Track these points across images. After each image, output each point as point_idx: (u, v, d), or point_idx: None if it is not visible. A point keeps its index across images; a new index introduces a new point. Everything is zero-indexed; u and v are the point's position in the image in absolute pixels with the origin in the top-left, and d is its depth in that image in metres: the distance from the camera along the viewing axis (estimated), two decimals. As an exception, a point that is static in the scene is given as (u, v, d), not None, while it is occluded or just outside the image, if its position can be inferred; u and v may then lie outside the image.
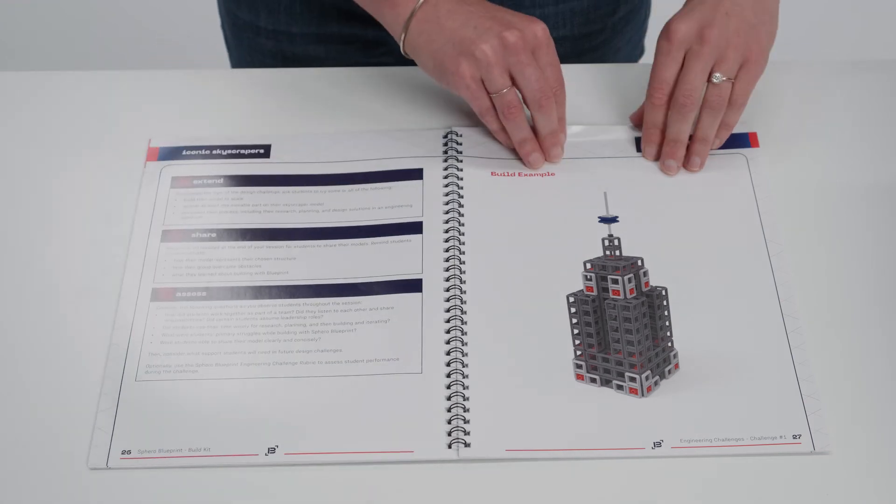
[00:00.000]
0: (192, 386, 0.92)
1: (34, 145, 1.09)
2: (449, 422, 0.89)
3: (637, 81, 1.09)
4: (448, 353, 0.93)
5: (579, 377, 0.91)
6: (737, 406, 0.89)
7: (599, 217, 1.01)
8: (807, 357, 0.92)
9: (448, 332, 0.94)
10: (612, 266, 0.96)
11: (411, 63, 1.06)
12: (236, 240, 1.01)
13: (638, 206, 1.02)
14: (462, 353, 0.93)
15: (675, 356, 0.92)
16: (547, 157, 1.05)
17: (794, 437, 0.88)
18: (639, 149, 1.07)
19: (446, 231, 1.01)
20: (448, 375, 0.91)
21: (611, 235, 1.00)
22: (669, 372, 0.92)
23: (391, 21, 1.05)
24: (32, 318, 0.96)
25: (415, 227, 1.01)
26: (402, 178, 1.05)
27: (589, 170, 1.05)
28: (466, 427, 0.88)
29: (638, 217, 1.01)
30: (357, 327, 0.95)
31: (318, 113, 1.11)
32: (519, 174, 1.05)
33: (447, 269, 0.98)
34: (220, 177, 1.06)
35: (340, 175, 1.05)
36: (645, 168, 1.06)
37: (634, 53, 1.36)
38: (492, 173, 1.05)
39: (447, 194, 1.03)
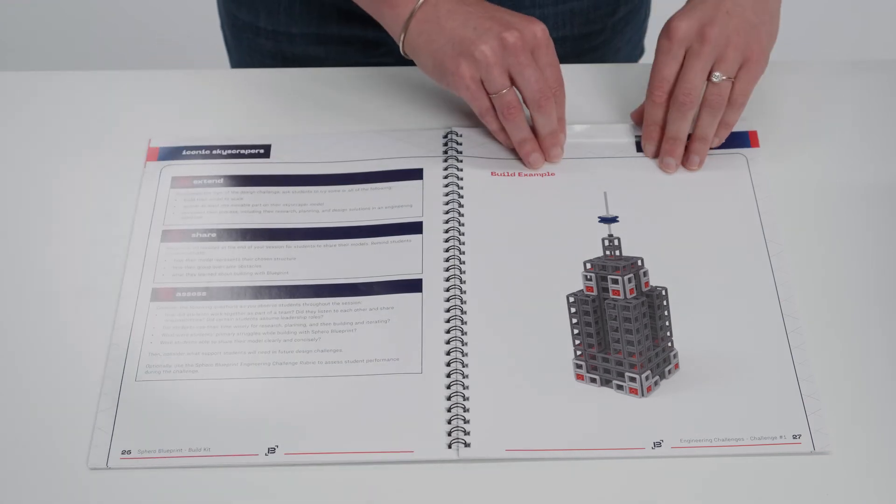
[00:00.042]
0: (192, 386, 0.92)
1: (34, 145, 1.09)
2: (449, 422, 0.89)
3: (637, 81, 1.09)
4: (448, 353, 0.93)
5: (579, 377, 0.91)
6: (737, 406, 0.89)
7: (599, 217, 1.01)
8: (807, 357, 0.92)
9: (448, 332, 0.94)
10: (612, 266, 0.96)
11: (411, 63, 1.06)
12: (236, 240, 1.01)
13: (638, 206, 1.02)
14: (462, 353, 0.93)
15: (675, 356, 0.92)
16: (547, 157, 1.05)
17: (794, 437, 0.88)
18: (639, 149, 1.07)
19: (446, 231, 1.01)
20: (448, 375, 0.91)
21: (611, 235, 1.00)
22: (669, 372, 0.92)
23: (391, 21, 1.05)
24: (32, 317, 0.96)
25: (415, 228, 1.01)
26: (402, 179, 1.05)
27: (589, 170, 1.05)
28: (466, 427, 0.88)
29: (638, 217, 1.01)
30: (357, 327, 0.95)
31: (318, 113, 1.11)
32: (519, 174, 1.05)
33: (447, 269, 0.98)
34: (220, 177, 1.06)
35: (340, 175, 1.05)
36: (645, 168, 1.06)
37: (634, 54, 1.36)
38: (492, 173, 1.05)
39: (447, 194, 1.03)
